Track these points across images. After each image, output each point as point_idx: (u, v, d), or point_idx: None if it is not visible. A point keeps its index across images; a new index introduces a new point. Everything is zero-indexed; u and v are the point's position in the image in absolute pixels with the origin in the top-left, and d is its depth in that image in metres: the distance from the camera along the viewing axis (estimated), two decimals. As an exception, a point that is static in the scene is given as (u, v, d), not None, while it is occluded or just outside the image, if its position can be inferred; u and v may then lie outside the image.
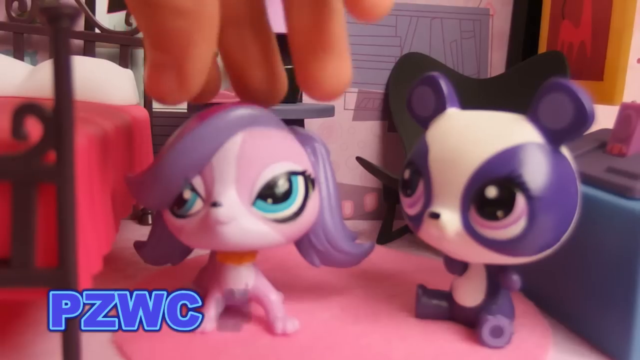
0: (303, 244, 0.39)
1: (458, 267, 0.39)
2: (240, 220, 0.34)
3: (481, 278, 0.38)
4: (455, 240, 0.34)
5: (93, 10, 0.65)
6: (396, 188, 0.59)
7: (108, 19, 0.65)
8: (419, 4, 0.70)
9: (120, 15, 0.65)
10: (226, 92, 0.61)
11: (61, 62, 0.25)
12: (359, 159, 0.61)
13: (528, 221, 0.32)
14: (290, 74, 0.65)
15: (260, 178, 0.35)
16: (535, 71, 0.65)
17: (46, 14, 0.25)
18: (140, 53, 0.66)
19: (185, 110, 0.64)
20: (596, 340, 0.38)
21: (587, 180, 0.40)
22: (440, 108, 0.38)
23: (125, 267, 0.50)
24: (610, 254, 0.37)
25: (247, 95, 0.36)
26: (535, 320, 0.41)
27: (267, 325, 0.38)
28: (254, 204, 0.35)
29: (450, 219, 0.34)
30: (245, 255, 0.38)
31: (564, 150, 0.34)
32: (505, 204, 0.32)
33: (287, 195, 0.35)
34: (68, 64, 0.25)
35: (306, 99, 0.69)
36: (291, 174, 0.35)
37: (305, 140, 0.38)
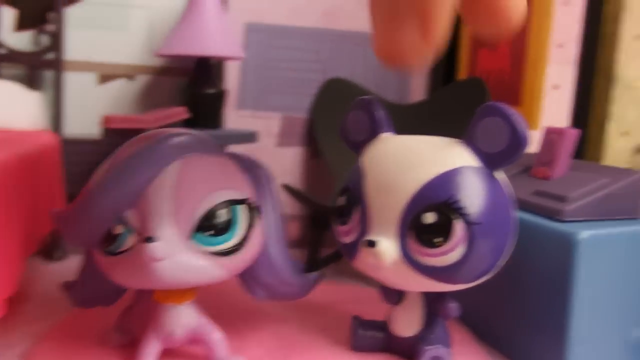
0: (246, 276, 0.36)
1: (394, 296, 0.37)
2: (177, 255, 0.32)
3: (418, 307, 0.37)
4: (393, 268, 0.33)
5: (-4, 29, 0.61)
6: (324, 215, 0.58)
7: (15, 38, 0.61)
8: (341, 30, 0.70)
9: (29, 34, 0.61)
10: (142, 117, 0.58)
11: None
12: (285, 186, 0.59)
13: (467, 247, 0.31)
14: (212, 99, 0.63)
15: (199, 209, 0.32)
16: (456, 97, 0.66)
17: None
18: (48, 75, 0.62)
19: (101, 137, 0.60)
20: (532, 366, 0.38)
21: (515, 203, 0.40)
22: (374, 132, 0.37)
23: (33, 309, 0.45)
24: (542, 276, 0.37)
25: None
26: (471, 348, 0.40)
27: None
28: (192, 237, 0.32)
29: (387, 247, 0.32)
30: (186, 293, 0.35)
31: (499, 175, 0.33)
32: (443, 230, 0.31)
33: (229, 226, 0.33)
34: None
35: (228, 124, 0.67)
36: (232, 203, 0.33)
37: (248, 167, 0.36)
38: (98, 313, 0.40)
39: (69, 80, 0.62)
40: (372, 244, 0.32)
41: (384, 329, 0.39)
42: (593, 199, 0.37)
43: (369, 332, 0.39)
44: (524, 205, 0.40)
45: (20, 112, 0.52)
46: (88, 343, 0.39)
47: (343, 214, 0.35)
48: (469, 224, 0.31)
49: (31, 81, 0.60)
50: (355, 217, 0.34)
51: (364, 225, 0.33)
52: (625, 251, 0.36)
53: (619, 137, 0.49)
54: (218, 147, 0.35)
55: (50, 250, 0.60)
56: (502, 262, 0.33)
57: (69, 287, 0.38)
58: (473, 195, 0.31)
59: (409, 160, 0.33)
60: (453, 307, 0.36)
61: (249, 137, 0.63)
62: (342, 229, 0.35)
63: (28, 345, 0.38)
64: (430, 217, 0.31)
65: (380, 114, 0.36)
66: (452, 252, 0.31)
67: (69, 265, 0.58)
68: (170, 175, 0.32)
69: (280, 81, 0.69)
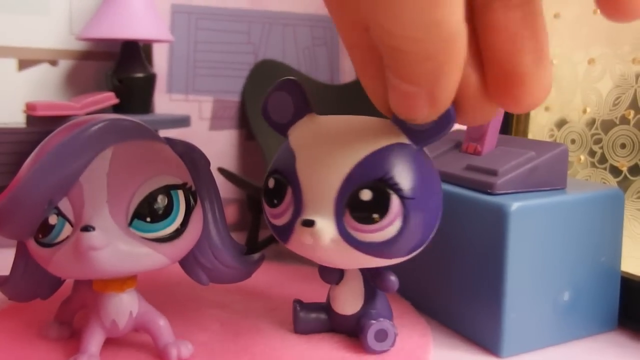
0: (188, 261, 0.36)
1: (334, 275, 0.38)
2: (116, 243, 0.31)
3: (358, 284, 0.38)
4: (331, 247, 0.33)
5: None
6: (261, 198, 0.58)
7: None
8: (271, 11, 0.70)
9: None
10: (68, 104, 0.56)
11: None
12: (221, 170, 0.58)
13: (402, 222, 0.32)
14: (141, 83, 0.62)
15: (136, 195, 0.32)
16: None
17: None
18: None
19: (25, 126, 0.58)
20: (469, 333, 0.40)
21: (449, 178, 0.42)
22: (299, 113, 0.36)
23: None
24: (476, 248, 0.38)
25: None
26: (413, 319, 0.41)
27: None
28: (130, 224, 0.31)
29: (325, 225, 0.32)
30: (127, 280, 0.34)
31: (427, 151, 0.34)
32: (380, 207, 0.31)
33: (168, 211, 0.32)
34: None
35: (158, 109, 0.66)
36: (170, 189, 0.33)
37: (183, 151, 0.35)
38: (36, 306, 0.39)
39: (-14, 66, 0.59)
40: (309, 223, 0.32)
41: (326, 310, 0.39)
42: (522, 171, 0.39)
43: (311, 314, 0.39)
44: (456, 180, 0.41)
45: None
46: (27, 336, 0.38)
47: (273, 196, 0.35)
48: (404, 199, 0.31)
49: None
50: (287, 198, 0.34)
51: (298, 206, 0.33)
52: (553, 220, 0.38)
53: (541, 112, 0.52)
54: (152, 132, 0.35)
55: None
56: (432, 234, 0.34)
57: (1, 282, 0.37)
58: (406, 171, 0.32)
59: (341, 139, 0.33)
60: (393, 281, 0.37)
61: (181, 121, 0.62)
62: (273, 211, 0.35)
63: (-40, 345, 0.37)
64: (366, 194, 0.31)
65: (305, 94, 0.36)
66: (389, 227, 0.32)
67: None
68: (103, 161, 0.32)
69: (211, 64, 0.68)
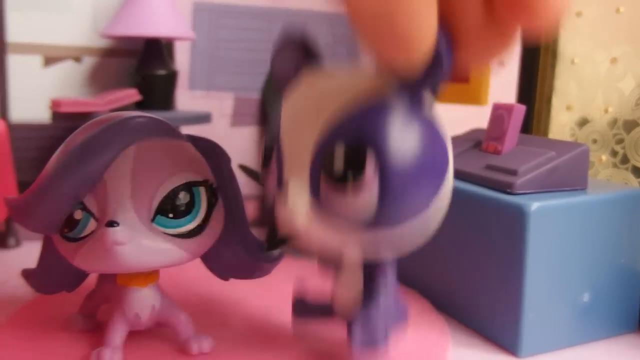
0: (210, 257, 0.36)
1: (330, 265, 0.36)
2: (139, 239, 0.32)
3: (358, 283, 0.35)
4: (308, 219, 0.28)
5: None
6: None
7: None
8: (291, 9, 0.70)
9: None
10: (92, 101, 0.57)
11: None
12: (242, 166, 0.59)
13: (382, 186, 0.26)
14: (163, 80, 0.62)
15: (159, 192, 0.32)
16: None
17: None
18: None
19: (50, 122, 0.59)
20: (488, 332, 0.40)
21: (468, 178, 0.42)
22: (299, 72, 0.31)
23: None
24: (496, 247, 0.38)
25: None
26: (432, 318, 0.42)
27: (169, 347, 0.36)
28: (153, 220, 0.32)
29: (298, 191, 0.27)
30: (150, 275, 0.35)
31: (430, 110, 0.28)
32: (357, 169, 0.26)
33: (189, 208, 0.33)
34: None
35: (180, 106, 0.66)
36: (192, 185, 0.33)
37: (205, 148, 0.36)
38: (60, 298, 0.40)
39: (13, 63, 0.60)
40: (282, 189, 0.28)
41: (328, 311, 0.36)
42: (542, 171, 0.39)
43: (311, 313, 0.37)
44: (476, 180, 0.41)
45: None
46: (52, 328, 0.38)
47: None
48: (383, 160, 0.26)
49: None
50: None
51: (279, 171, 0.29)
52: (573, 220, 0.38)
53: (563, 112, 0.52)
54: (174, 129, 0.35)
55: (3, 238, 0.58)
56: (434, 201, 0.28)
57: (29, 274, 0.37)
58: (388, 129, 0.26)
59: (323, 95, 0.28)
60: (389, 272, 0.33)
61: (202, 118, 0.63)
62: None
63: (-12, 336, 0.38)
64: (341, 156, 0.26)
65: (302, 50, 0.31)
66: (365, 192, 0.26)
67: (24, 253, 0.57)
68: (127, 158, 0.32)
69: (232, 61, 0.68)
